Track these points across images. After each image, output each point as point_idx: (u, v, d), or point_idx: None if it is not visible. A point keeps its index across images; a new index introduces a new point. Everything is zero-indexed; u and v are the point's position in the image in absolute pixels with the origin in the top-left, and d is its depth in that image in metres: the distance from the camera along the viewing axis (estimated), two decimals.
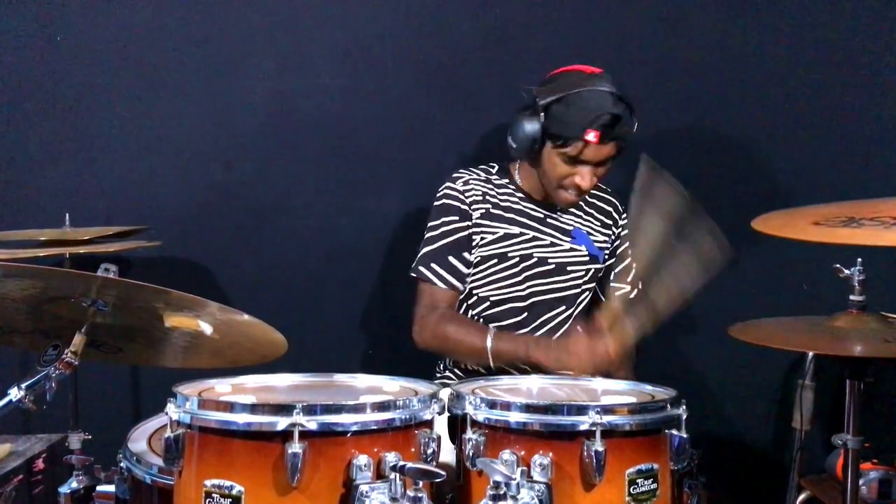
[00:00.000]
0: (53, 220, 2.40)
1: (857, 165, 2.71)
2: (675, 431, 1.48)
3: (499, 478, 1.33)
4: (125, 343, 1.75)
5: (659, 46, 2.70)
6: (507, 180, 2.30)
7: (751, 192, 2.70)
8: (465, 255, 2.23)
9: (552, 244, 2.27)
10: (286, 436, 1.35)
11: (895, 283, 2.48)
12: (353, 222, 2.69)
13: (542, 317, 2.25)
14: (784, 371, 2.73)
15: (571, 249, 2.28)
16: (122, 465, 1.64)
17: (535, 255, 2.25)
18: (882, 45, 2.70)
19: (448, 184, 2.27)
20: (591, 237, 2.31)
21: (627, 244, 2.32)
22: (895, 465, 2.32)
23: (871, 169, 2.71)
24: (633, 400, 1.56)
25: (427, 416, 1.47)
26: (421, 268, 2.22)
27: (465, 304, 2.28)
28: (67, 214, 2.38)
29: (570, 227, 2.30)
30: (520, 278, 2.24)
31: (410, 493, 1.34)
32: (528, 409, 1.46)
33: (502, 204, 2.27)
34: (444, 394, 1.56)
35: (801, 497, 2.53)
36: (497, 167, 2.32)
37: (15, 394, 1.53)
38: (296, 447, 1.33)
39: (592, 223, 2.33)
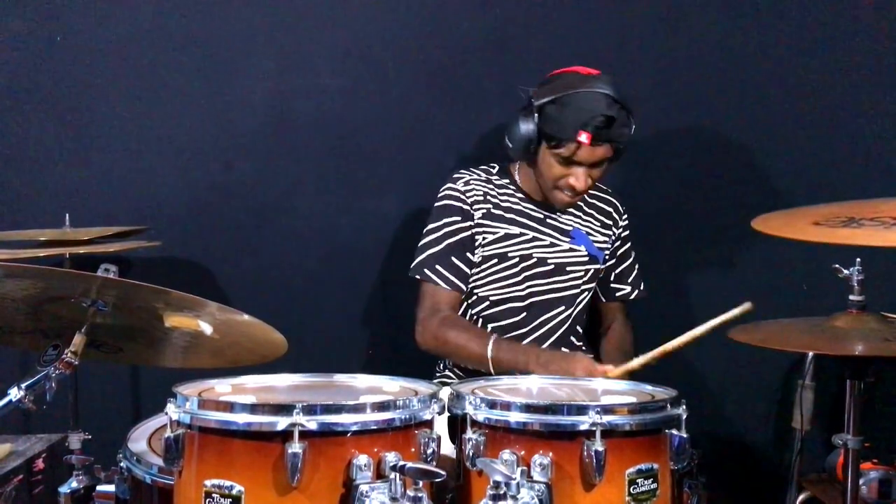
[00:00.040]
0: (53, 220, 2.40)
1: (857, 165, 2.71)
2: (675, 431, 1.48)
3: (499, 478, 1.33)
4: (125, 343, 1.75)
5: (659, 46, 2.70)
6: (507, 181, 2.30)
7: (751, 192, 2.70)
8: (468, 255, 2.23)
9: (552, 244, 2.27)
10: (286, 436, 1.35)
11: (895, 283, 2.48)
12: (353, 222, 2.69)
13: (540, 317, 2.25)
14: (784, 371, 2.73)
15: (571, 250, 2.28)
16: (122, 465, 1.64)
17: (534, 255, 2.25)
18: (882, 45, 2.70)
19: (449, 184, 2.27)
20: (591, 237, 2.31)
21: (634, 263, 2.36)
22: (895, 465, 2.32)
23: (871, 169, 2.71)
24: (633, 400, 1.57)
25: (427, 416, 1.47)
26: (425, 269, 2.22)
27: (464, 304, 2.28)
28: (67, 214, 2.38)
29: (570, 228, 2.30)
30: (519, 278, 2.24)
31: (410, 493, 1.34)
32: (528, 409, 1.46)
33: (503, 204, 2.27)
34: (444, 394, 1.56)
35: (801, 497, 2.53)
36: (497, 167, 2.32)
37: (15, 394, 1.53)
38: (296, 447, 1.33)
39: (592, 224, 2.33)
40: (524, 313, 2.25)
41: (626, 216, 2.39)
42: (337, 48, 2.67)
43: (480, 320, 2.27)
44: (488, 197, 2.26)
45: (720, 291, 2.73)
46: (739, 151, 2.72)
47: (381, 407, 1.41)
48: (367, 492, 1.35)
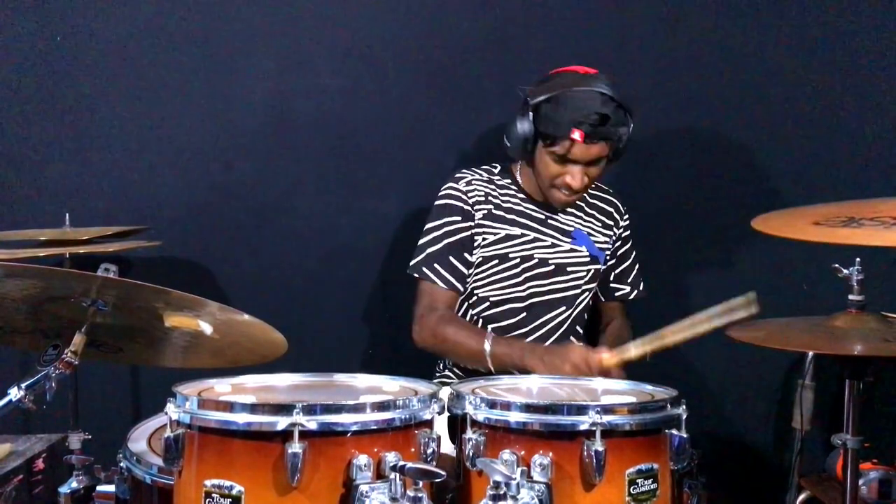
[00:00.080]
0: (53, 220, 2.40)
1: (857, 165, 2.71)
2: (675, 431, 1.48)
3: (499, 478, 1.33)
4: (125, 343, 1.75)
5: (659, 46, 2.70)
6: (508, 181, 2.30)
7: (751, 192, 2.70)
8: (467, 255, 2.23)
9: (553, 245, 2.27)
10: (286, 436, 1.35)
11: (895, 283, 2.48)
12: (353, 222, 2.69)
13: (541, 317, 2.25)
14: (784, 371, 2.73)
15: (572, 250, 2.28)
16: (122, 465, 1.64)
17: (535, 255, 2.25)
18: (882, 45, 2.70)
19: (451, 184, 2.27)
20: (592, 238, 2.31)
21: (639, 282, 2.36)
22: (895, 465, 2.32)
23: (871, 169, 2.71)
24: (633, 400, 1.56)
25: (427, 416, 1.47)
26: (423, 268, 2.22)
27: (465, 304, 2.28)
28: (67, 214, 2.38)
29: (571, 228, 2.30)
30: (520, 279, 2.24)
31: (410, 493, 1.34)
32: (528, 408, 1.46)
33: (504, 205, 2.27)
34: (444, 394, 1.56)
35: (801, 497, 2.53)
36: (499, 167, 2.32)
37: (15, 394, 1.53)
38: (296, 447, 1.33)
39: (593, 224, 2.33)
40: (524, 314, 2.25)
41: (626, 216, 2.39)
42: (337, 48, 2.67)
43: (481, 321, 2.27)
44: (490, 197, 2.26)
45: (720, 291, 2.69)
46: (739, 151, 2.72)
47: (381, 407, 1.41)
48: (367, 492, 1.35)
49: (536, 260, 2.25)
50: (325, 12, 2.65)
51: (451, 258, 2.22)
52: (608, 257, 2.36)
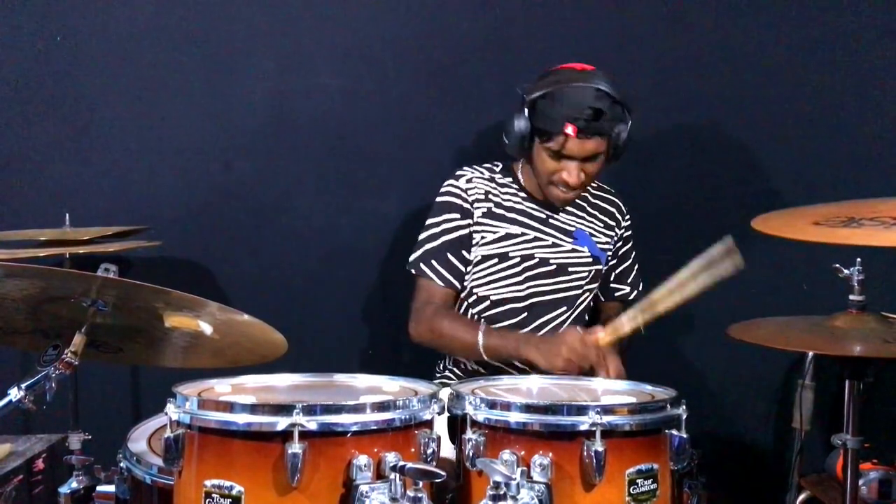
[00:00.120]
0: (53, 220, 2.40)
1: (857, 165, 2.71)
2: (675, 431, 1.48)
3: (499, 478, 1.33)
4: (125, 343, 1.75)
5: (659, 46, 2.70)
6: (510, 179, 2.30)
7: (751, 192, 2.70)
8: (465, 253, 2.23)
9: (554, 245, 2.27)
10: (286, 436, 1.35)
11: (895, 283, 2.48)
12: (353, 222, 2.69)
13: (542, 317, 2.25)
14: (784, 371, 2.73)
15: (573, 250, 2.28)
16: (122, 465, 1.64)
17: (536, 255, 2.25)
18: (882, 45, 2.70)
19: (451, 181, 2.27)
20: (594, 238, 2.31)
21: (636, 268, 2.36)
22: (895, 465, 2.32)
23: (871, 169, 2.71)
24: (633, 400, 1.56)
25: (427, 416, 1.47)
26: (421, 264, 2.23)
27: (465, 303, 2.28)
28: (67, 214, 2.38)
29: (573, 228, 2.30)
30: (520, 278, 2.24)
31: (410, 493, 1.34)
32: (528, 409, 1.46)
33: (505, 203, 2.27)
34: (444, 394, 1.56)
35: (801, 497, 2.53)
36: (501, 166, 2.32)
37: (15, 394, 1.53)
38: (296, 447, 1.33)
39: (595, 224, 2.33)
40: (525, 314, 2.24)
41: (628, 217, 2.39)
42: (337, 48, 2.67)
43: (481, 320, 2.27)
44: (490, 195, 2.26)
45: (720, 291, 2.71)
46: (739, 151, 2.72)
47: (381, 407, 1.41)
48: (367, 492, 1.35)
49: (537, 259, 2.25)
50: (325, 12, 2.65)
51: (449, 255, 2.22)
52: (609, 258, 2.35)
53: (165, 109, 2.64)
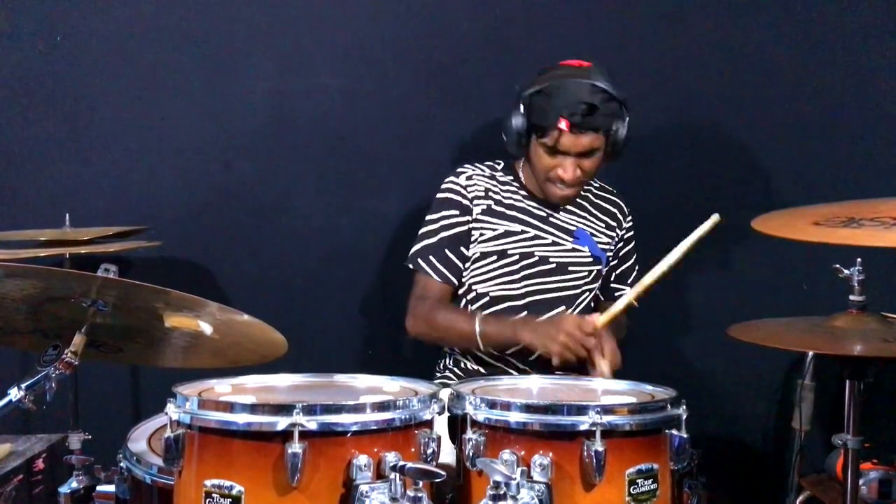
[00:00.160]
0: (53, 220, 2.40)
1: (857, 165, 2.71)
2: (675, 431, 1.48)
3: (499, 478, 1.33)
4: (125, 343, 1.75)
5: (659, 46, 2.70)
6: (511, 177, 2.30)
7: (751, 192, 2.70)
8: (463, 250, 2.24)
9: (554, 243, 2.27)
10: (286, 436, 1.35)
11: (895, 283, 2.48)
12: (353, 222, 2.69)
13: (540, 316, 2.25)
14: (784, 371, 2.73)
15: (574, 250, 2.28)
16: (122, 465, 1.64)
17: (536, 253, 2.25)
18: (882, 45, 2.70)
19: (451, 178, 2.27)
20: (595, 238, 2.31)
21: (634, 256, 2.36)
22: (895, 465, 2.32)
23: (871, 169, 2.71)
24: (633, 400, 1.56)
25: (427, 416, 1.47)
26: (419, 259, 2.23)
27: (464, 300, 2.28)
28: (67, 214, 2.38)
29: (574, 228, 2.29)
30: (518, 276, 2.24)
31: (410, 493, 1.34)
32: (528, 409, 1.46)
33: (505, 201, 2.27)
34: (444, 394, 1.56)
35: (801, 497, 2.53)
36: (502, 164, 2.32)
37: (15, 394, 1.53)
38: (296, 447, 1.33)
39: (596, 224, 2.32)
40: (524, 312, 2.24)
41: (630, 217, 2.39)
42: (337, 48, 2.67)
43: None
44: (490, 193, 2.26)
45: (720, 291, 2.73)
46: (739, 151, 2.72)
47: (381, 407, 1.41)
48: (367, 492, 1.35)
49: (537, 258, 2.25)
50: (325, 12, 2.65)
51: (447, 251, 2.22)
52: (610, 258, 2.35)
53: (165, 109, 2.64)
